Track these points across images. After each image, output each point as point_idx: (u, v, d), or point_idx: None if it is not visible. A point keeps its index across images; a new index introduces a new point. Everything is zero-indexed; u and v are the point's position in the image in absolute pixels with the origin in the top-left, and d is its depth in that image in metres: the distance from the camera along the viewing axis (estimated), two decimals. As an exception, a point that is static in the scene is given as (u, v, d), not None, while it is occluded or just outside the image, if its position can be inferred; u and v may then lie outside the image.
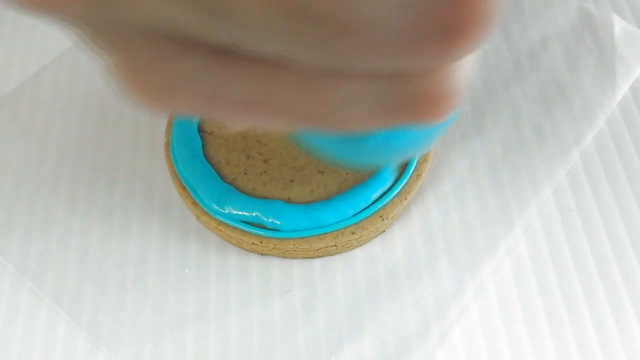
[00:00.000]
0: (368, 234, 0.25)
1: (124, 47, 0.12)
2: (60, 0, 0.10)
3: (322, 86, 0.12)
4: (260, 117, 0.13)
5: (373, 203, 0.25)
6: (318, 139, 0.17)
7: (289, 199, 0.25)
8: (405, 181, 0.25)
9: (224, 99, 0.12)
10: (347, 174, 0.25)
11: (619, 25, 0.31)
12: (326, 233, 0.24)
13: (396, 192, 0.25)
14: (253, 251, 0.26)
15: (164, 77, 0.12)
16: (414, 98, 0.12)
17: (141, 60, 0.12)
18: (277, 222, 0.24)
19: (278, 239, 0.24)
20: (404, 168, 0.25)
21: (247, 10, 0.10)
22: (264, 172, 0.25)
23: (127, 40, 0.12)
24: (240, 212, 0.24)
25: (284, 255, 0.25)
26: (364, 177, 0.25)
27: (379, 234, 0.26)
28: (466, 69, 0.12)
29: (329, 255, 0.25)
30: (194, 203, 0.25)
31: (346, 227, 0.24)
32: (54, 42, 0.32)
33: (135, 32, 0.11)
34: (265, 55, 0.11)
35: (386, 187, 0.25)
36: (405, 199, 0.25)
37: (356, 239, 0.25)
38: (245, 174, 0.25)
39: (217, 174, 0.25)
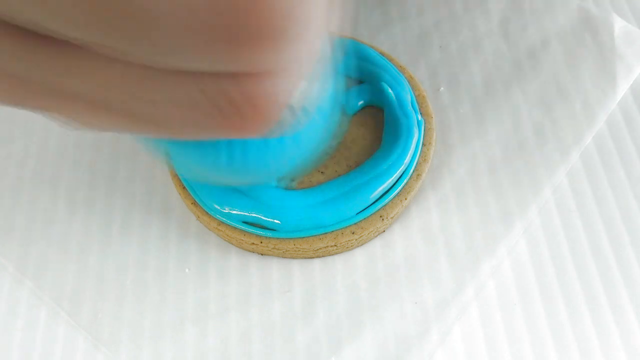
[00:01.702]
0: (368, 234, 0.25)
1: None
2: None
3: (136, 81, 0.11)
4: (78, 112, 0.12)
5: (373, 203, 0.25)
6: (168, 148, 0.16)
7: (289, 199, 0.25)
8: (405, 181, 0.25)
9: (34, 86, 0.11)
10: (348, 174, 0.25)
11: (619, 25, 0.31)
12: (326, 233, 0.24)
13: (396, 192, 0.25)
14: (253, 251, 0.26)
15: None
16: (228, 104, 0.12)
17: None
18: (277, 222, 0.24)
19: (278, 239, 0.24)
20: (404, 168, 0.25)
21: None
22: (264, 172, 0.25)
23: None
24: (240, 212, 0.24)
25: (284, 255, 0.25)
26: (364, 177, 0.25)
27: (379, 234, 0.26)
28: (291, 85, 0.12)
29: (329, 255, 0.25)
30: (194, 203, 0.25)
31: (346, 227, 0.24)
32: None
33: None
34: (73, 41, 0.10)
35: (386, 187, 0.25)
36: (405, 199, 0.25)
37: (356, 239, 0.25)
38: (245, 174, 0.25)
39: (217, 174, 0.25)
